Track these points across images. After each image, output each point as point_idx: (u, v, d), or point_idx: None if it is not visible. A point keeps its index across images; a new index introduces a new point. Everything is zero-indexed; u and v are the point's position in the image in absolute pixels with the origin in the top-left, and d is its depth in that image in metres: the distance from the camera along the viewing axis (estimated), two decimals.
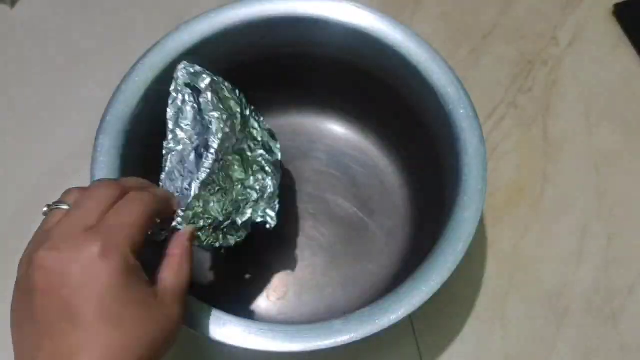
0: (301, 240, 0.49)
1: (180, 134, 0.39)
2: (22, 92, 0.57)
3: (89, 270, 0.26)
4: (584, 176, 0.54)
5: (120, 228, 0.28)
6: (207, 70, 0.39)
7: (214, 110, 0.37)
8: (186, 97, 0.39)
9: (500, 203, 0.52)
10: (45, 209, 0.30)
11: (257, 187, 0.40)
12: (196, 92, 0.39)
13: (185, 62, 0.39)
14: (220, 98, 0.38)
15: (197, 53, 0.43)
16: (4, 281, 0.48)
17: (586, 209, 0.52)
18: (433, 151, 0.44)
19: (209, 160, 0.36)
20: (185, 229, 0.34)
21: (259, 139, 0.41)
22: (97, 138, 0.39)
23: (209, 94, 0.37)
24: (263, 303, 0.47)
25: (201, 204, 0.35)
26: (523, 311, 0.48)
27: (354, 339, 0.34)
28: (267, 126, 0.43)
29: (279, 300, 0.47)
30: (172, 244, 0.33)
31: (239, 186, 0.39)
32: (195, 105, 0.39)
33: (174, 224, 0.34)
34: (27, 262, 0.27)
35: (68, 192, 0.31)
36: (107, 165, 0.38)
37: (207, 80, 0.38)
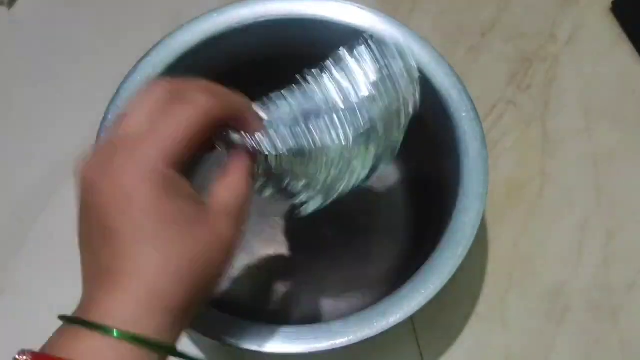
0: (301, 241, 0.49)
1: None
2: (21, 92, 0.57)
3: (120, 189, 0.24)
4: (583, 173, 0.54)
5: (160, 140, 0.25)
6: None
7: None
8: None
9: (499, 200, 0.52)
10: None
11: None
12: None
13: None
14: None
15: (200, 52, 0.43)
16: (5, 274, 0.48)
17: (585, 206, 0.52)
18: (435, 153, 0.44)
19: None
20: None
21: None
22: (98, 136, 0.39)
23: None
24: (262, 303, 0.47)
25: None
26: (523, 309, 0.48)
27: (352, 342, 0.34)
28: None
29: (278, 301, 0.47)
30: (233, 156, 0.30)
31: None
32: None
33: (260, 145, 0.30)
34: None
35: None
36: None
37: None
